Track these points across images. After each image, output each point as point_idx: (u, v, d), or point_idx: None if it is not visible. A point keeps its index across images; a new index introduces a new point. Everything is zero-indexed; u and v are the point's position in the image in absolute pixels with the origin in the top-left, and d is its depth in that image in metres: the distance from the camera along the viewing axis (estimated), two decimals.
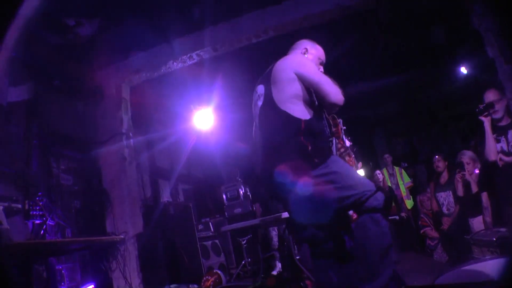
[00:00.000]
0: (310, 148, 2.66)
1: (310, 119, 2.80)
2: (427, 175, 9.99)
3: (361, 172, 8.41)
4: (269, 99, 2.95)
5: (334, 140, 3.00)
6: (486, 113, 4.53)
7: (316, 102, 2.94)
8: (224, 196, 8.64)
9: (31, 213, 4.41)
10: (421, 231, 7.24)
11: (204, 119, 7.88)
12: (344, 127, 3.24)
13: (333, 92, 2.87)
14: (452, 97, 10.42)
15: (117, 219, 5.87)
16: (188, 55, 6.11)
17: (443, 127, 11.59)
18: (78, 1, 5.06)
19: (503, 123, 4.57)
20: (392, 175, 9.31)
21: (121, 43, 5.93)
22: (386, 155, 9.66)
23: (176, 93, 7.39)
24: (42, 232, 4.58)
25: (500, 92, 4.67)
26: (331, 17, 5.76)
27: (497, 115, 4.55)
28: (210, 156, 10.38)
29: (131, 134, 6.36)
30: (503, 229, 4.05)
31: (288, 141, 2.74)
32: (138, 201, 6.24)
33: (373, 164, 10.24)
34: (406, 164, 10.36)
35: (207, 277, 5.79)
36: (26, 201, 4.42)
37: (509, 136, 4.49)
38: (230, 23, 5.89)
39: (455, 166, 5.95)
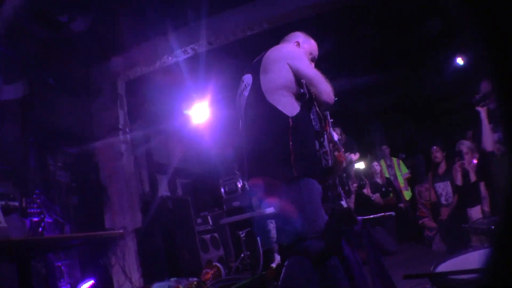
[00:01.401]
0: (292, 157, 2.51)
1: (298, 114, 2.66)
2: (425, 165, 10.00)
3: (360, 165, 8.38)
4: (256, 89, 2.80)
5: (325, 135, 2.80)
6: (483, 103, 4.53)
7: (307, 95, 2.77)
8: (222, 190, 8.63)
9: (28, 210, 4.40)
10: (419, 222, 7.25)
11: (200, 113, 7.88)
12: (332, 120, 3.03)
13: (326, 91, 2.76)
14: (449, 87, 10.41)
15: (115, 215, 5.87)
16: (183, 49, 6.09)
17: (441, 117, 11.60)
18: None
19: None
20: (390, 166, 9.31)
21: (115, 38, 5.91)
22: (384, 146, 9.66)
23: (172, 87, 7.37)
24: (40, 229, 4.57)
25: None
26: (325, 10, 5.75)
27: (494, 105, 4.54)
28: (208, 149, 10.37)
29: (127, 129, 6.36)
30: None
31: (275, 145, 2.59)
32: (137, 196, 6.24)
33: (371, 156, 10.24)
34: (404, 155, 10.35)
35: (206, 270, 5.80)
36: (23, 199, 4.41)
37: None
38: (225, 15, 5.86)
39: (453, 155, 5.96)
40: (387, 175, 8.96)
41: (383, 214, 5.41)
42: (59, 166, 5.67)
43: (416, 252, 6.80)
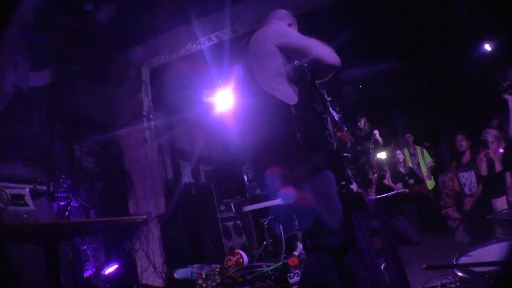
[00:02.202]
0: (303, 150, 2.38)
1: (299, 101, 2.50)
2: (450, 154, 9.85)
3: (382, 154, 8.29)
4: (250, 79, 2.63)
5: (328, 117, 2.65)
6: (510, 90, 4.43)
7: (309, 77, 2.60)
8: (245, 177, 8.68)
9: (56, 195, 4.51)
10: (443, 212, 7.18)
11: (224, 101, 7.89)
12: (329, 98, 2.85)
13: (327, 52, 2.61)
14: (475, 75, 10.21)
15: (139, 200, 5.96)
16: (207, 36, 6.09)
17: (466, 105, 11.38)
18: None
19: None
20: (413, 155, 9.22)
21: (139, 25, 5.94)
22: (408, 135, 9.55)
23: (196, 75, 7.40)
24: (66, 213, 4.68)
25: None
26: None
27: None
28: (231, 137, 10.38)
29: (151, 116, 6.43)
30: None
31: (282, 137, 2.44)
32: (160, 182, 6.31)
33: (394, 144, 10.14)
34: (428, 144, 10.22)
35: (229, 257, 5.85)
36: (51, 183, 4.51)
37: None
38: (249, 3, 5.83)
39: (478, 144, 5.87)
40: (411, 164, 8.87)
41: (396, 191, 5.33)
42: (85, 151, 5.77)
43: (438, 243, 6.75)
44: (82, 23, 5.33)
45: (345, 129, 2.83)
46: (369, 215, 3.96)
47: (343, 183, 2.79)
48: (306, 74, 2.59)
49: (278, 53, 2.59)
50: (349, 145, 2.86)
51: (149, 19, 5.85)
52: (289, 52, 2.61)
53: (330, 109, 2.82)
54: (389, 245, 3.73)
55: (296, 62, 2.60)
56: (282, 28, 2.77)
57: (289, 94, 2.52)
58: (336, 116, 2.89)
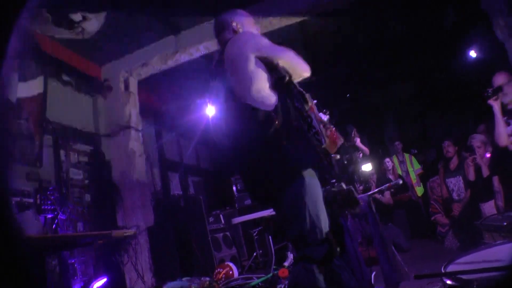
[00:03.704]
0: (291, 152, 2.38)
1: (278, 103, 2.48)
2: (438, 160, 9.90)
3: (367, 167, 8.23)
4: (230, 94, 2.63)
5: (312, 115, 2.62)
6: (495, 97, 4.45)
7: (287, 77, 2.55)
8: (234, 188, 8.64)
9: (42, 207, 4.46)
10: (432, 218, 7.20)
11: (212, 112, 7.86)
12: (315, 101, 2.83)
13: (300, 63, 2.67)
14: (463, 81, 10.27)
15: (128, 213, 5.91)
16: (195, 47, 6.09)
17: (454, 111, 11.43)
18: None
19: None
20: (402, 162, 9.25)
21: (127, 36, 5.93)
22: (397, 142, 9.58)
23: (185, 85, 7.39)
24: (54, 226, 4.63)
25: (509, 75, 4.59)
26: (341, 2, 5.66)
27: (507, 99, 4.46)
28: (219, 148, 10.36)
29: (139, 128, 6.39)
30: None
31: (269, 146, 2.42)
32: (149, 194, 6.28)
33: (382, 151, 10.17)
34: (415, 151, 10.27)
35: (219, 269, 5.82)
36: (38, 196, 4.46)
37: None
38: None
39: (465, 150, 5.91)
40: (400, 172, 8.90)
41: (388, 184, 5.30)
42: (72, 163, 5.72)
43: (428, 249, 6.77)
44: (70, 33, 5.32)
45: (333, 128, 2.80)
46: (363, 219, 3.96)
47: (333, 181, 2.77)
48: (283, 75, 2.56)
49: (256, 60, 2.57)
50: (338, 143, 2.83)
51: (137, 29, 5.84)
52: (265, 61, 2.60)
53: (316, 110, 2.78)
54: (382, 244, 3.74)
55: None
56: (256, 37, 2.76)
57: (267, 100, 2.51)
58: (324, 117, 2.86)
